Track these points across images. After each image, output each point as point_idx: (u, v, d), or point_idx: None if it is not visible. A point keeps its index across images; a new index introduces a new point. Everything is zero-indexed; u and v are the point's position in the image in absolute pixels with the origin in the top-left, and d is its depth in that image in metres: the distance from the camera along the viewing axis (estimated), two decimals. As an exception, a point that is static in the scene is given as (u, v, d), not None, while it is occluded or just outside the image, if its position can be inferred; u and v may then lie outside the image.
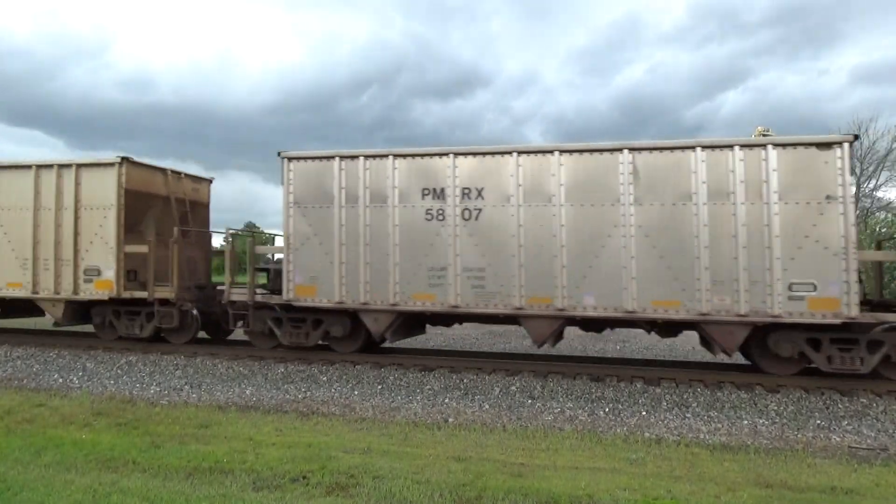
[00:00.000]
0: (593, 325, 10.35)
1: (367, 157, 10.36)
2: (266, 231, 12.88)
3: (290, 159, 10.68)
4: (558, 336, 10.48)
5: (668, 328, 9.98)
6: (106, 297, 11.88)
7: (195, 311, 12.11)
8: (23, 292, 12.20)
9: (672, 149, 9.24)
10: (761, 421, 8.06)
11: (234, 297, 11.30)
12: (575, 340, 15.77)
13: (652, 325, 9.89)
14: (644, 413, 8.44)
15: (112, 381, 10.31)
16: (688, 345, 14.15)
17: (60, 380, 10.47)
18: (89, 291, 11.93)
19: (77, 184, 12.01)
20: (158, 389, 9.89)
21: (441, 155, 10.08)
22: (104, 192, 11.89)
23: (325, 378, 10.19)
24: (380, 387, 9.71)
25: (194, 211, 13.91)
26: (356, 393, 9.48)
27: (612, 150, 9.44)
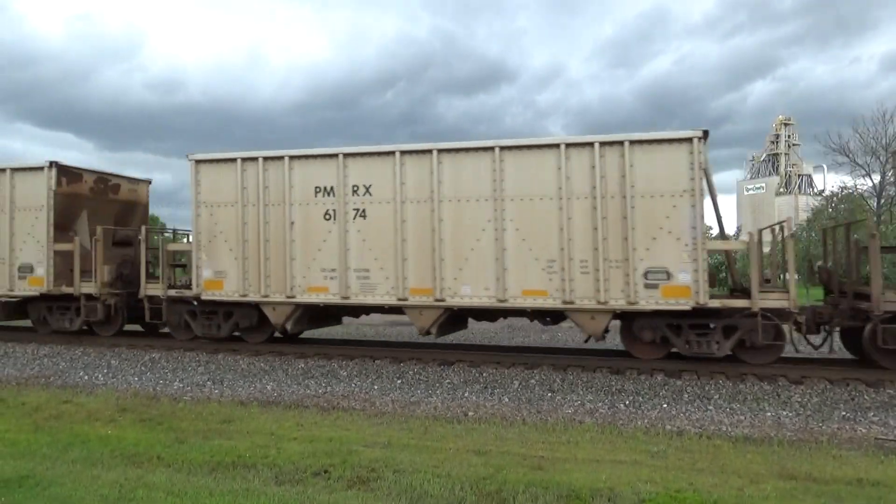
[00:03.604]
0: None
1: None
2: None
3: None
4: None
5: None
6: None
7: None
8: None
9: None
10: (785, 413, 7.96)
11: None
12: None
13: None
14: (665, 405, 8.38)
15: (136, 378, 10.47)
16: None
17: (86, 377, 10.65)
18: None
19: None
20: (181, 385, 10.02)
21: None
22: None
23: (344, 373, 10.25)
24: (399, 381, 9.74)
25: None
26: (376, 388, 9.53)
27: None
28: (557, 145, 9.53)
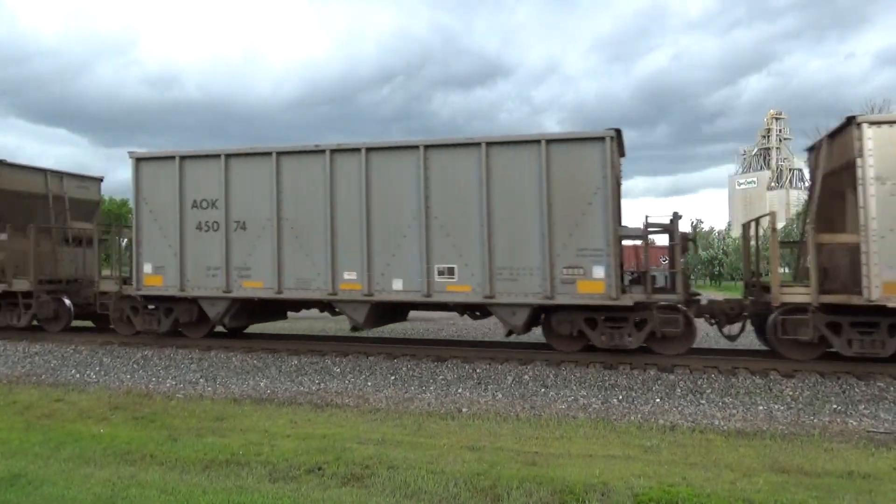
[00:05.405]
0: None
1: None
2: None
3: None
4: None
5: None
6: None
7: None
8: None
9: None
10: (777, 406, 8.01)
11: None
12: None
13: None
14: (658, 400, 8.42)
15: (128, 376, 10.42)
16: (702, 331, 14.05)
17: (78, 375, 10.59)
18: None
19: None
20: (174, 383, 9.98)
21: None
22: None
23: (338, 370, 10.24)
24: (393, 378, 9.74)
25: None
26: (370, 384, 9.52)
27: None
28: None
